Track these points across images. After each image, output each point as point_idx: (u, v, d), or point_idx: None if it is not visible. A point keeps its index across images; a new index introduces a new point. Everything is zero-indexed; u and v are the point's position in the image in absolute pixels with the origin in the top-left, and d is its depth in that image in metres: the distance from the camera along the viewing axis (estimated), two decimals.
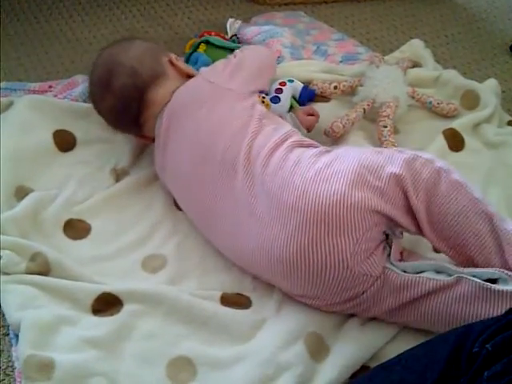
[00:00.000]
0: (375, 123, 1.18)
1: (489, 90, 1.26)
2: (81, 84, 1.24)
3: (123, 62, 1.03)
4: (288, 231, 0.83)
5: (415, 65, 1.35)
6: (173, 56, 1.09)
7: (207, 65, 1.25)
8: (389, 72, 1.23)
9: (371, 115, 1.20)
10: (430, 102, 1.23)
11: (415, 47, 1.40)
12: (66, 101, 1.20)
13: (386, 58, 1.35)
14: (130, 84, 1.02)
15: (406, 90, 1.23)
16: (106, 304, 0.88)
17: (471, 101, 1.25)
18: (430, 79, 1.31)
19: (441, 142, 1.16)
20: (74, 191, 1.05)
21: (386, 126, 1.15)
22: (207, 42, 1.29)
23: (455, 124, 1.19)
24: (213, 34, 1.35)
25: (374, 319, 0.89)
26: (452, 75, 1.31)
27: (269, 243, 0.85)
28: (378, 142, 1.14)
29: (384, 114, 1.16)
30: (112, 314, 0.88)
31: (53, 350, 0.82)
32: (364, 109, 1.18)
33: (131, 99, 1.02)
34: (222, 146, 0.93)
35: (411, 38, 1.49)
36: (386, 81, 1.20)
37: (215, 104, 0.98)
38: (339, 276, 0.83)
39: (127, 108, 1.03)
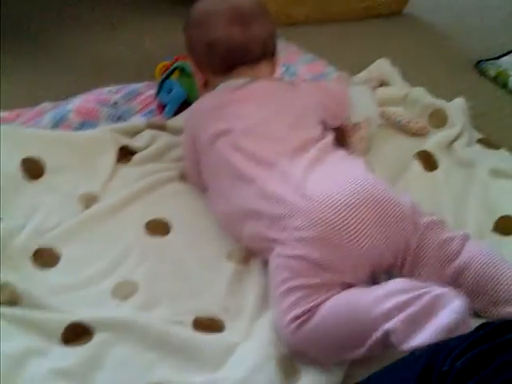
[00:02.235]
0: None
1: (456, 108, 1.28)
2: (48, 112, 1.23)
3: (269, 19, 1.10)
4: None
5: (382, 84, 1.37)
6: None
7: (181, 97, 1.26)
8: (359, 92, 1.24)
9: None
10: (400, 121, 1.25)
11: (382, 67, 1.42)
12: (35, 129, 1.19)
13: (353, 77, 1.36)
14: (261, 41, 1.07)
15: (376, 109, 1.24)
16: (77, 333, 0.87)
17: (439, 119, 1.26)
18: (398, 98, 1.33)
19: (415, 164, 1.17)
20: (43, 219, 1.04)
21: (361, 151, 1.16)
22: (182, 69, 1.28)
23: (427, 146, 1.20)
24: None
25: None
26: (420, 93, 1.32)
27: (360, 179, 0.91)
28: None
29: (355, 135, 1.17)
30: (82, 344, 0.86)
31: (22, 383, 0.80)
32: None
33: (247, 50, 1.06)
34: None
35: (379, 57, 1.51)
36: (357, 101, 1.21)
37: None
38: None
39: (236, 52, 1.06)
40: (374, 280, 0.91)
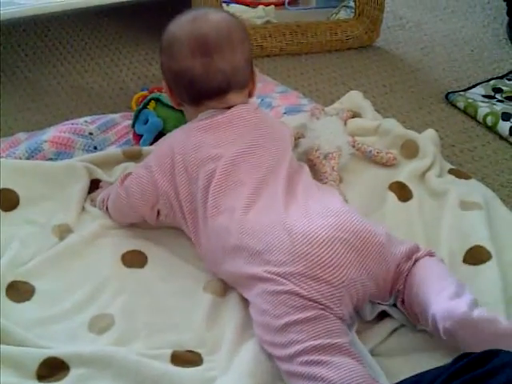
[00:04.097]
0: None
1: (427, 139, 1.29)
2: (23, 142, 1.22)
3: (237, 50, 1.03)
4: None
5: (355, 115, 1.39)
6: (257, 72, 1.11)
7: (157, 128, 1.26)
8: (329, 123, 1.26)
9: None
10: (370, 151, 1.26)
11: (354, 98, 1.44)
12: (9, 159, 1.18)
13: (326, 109, 1.38)
14: (225, 75, 1.02)
15: (347, 139, 1.25)
16: (52, 369, 0.85)
17: (411, 150, 1.28)
18: (370, 129, 1.34)
19: (390, 195, 1.18)
20: (17, 252, 1.02)
21: (333, 181, 1.17)
22: (157, 100, 1.29)
23: (400, 177, 1.21)
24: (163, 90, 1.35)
25: None
26: (391, 124, 1.34)
27: (339, 212, 0.92)
28: None
29: (327, 166, 1.19)
30: (58, 380, 0.84)
31: None
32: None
33: (216, 85, 1.02)
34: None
35: (351, 88, 1.54)
36: (327, 131, 1.23)
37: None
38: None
39: (198, 85, 1.02)
40: (357, 311, 0.93)
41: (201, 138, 1.01)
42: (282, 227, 0.90)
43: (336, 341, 0.83)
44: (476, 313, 0.81)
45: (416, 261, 0.93)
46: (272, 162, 1.01)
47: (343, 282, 0.87)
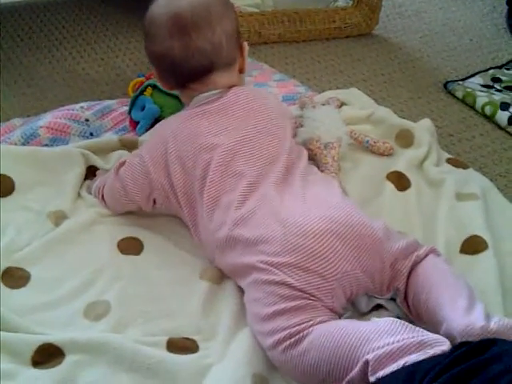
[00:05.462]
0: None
1: (423, 129, 1.28)
2: (19, 128, 1.21)
3: (216, 27, 0.99)
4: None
5: (342, 103, 1.36)
6: (246, 45, 1.07)
7: (154, 114, 1.25)
8: (328, 112, 1.25)
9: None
10: (367, 141, 1.25)
11: (354, 94, 1.41)
12: (4, 144, 1.17)
13: (314, 98, 1.36)
14: (206, 54, 0.99)
15: (345, 129, 1.24)
16: (47, 355, 0.85)
17: (406, 139, 1.27)
18: (361, 117, 1.32)
19: (388, 185, 1.17)
20: (13, 238, 1.02)
21: (334, 172, 1.16)
22: (154, 86, 1.28)
23: (398, 166, 1.21)
24: None
25: None
26: (385, 113, 1.32)
27: (336, 205, 0.91)
28: None
29: (328, 156, 1.18)
30: (53, 366, 0.84)
31: None
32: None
33: (198, 65, 1.00)
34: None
35: (349, 77, 1.54)
36: (327, 121, 1.21)
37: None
38: None
39: (180, 68, 1.00)
40: (352, 302, 0.92)
41: (196, 125, 1.00)
42: (275, 218, 0.90)
43: (319, 318, 0.83)
44: (493, 323, 0.79)
45: (417, 260, 0.91)
46: (271, 150, 1.00)
47: (335, 275, 0.86)
